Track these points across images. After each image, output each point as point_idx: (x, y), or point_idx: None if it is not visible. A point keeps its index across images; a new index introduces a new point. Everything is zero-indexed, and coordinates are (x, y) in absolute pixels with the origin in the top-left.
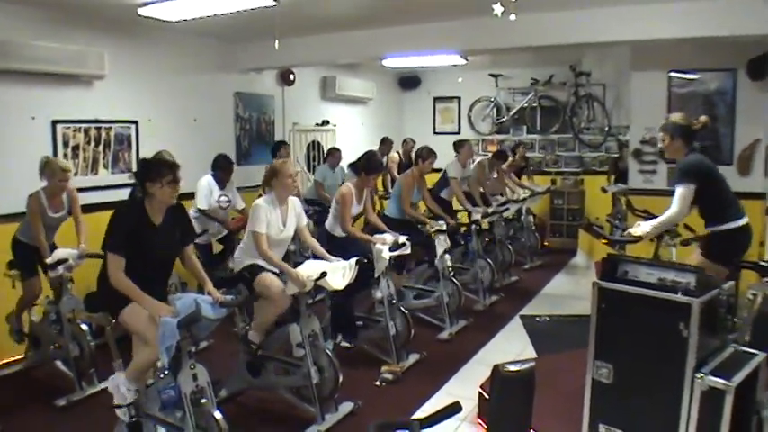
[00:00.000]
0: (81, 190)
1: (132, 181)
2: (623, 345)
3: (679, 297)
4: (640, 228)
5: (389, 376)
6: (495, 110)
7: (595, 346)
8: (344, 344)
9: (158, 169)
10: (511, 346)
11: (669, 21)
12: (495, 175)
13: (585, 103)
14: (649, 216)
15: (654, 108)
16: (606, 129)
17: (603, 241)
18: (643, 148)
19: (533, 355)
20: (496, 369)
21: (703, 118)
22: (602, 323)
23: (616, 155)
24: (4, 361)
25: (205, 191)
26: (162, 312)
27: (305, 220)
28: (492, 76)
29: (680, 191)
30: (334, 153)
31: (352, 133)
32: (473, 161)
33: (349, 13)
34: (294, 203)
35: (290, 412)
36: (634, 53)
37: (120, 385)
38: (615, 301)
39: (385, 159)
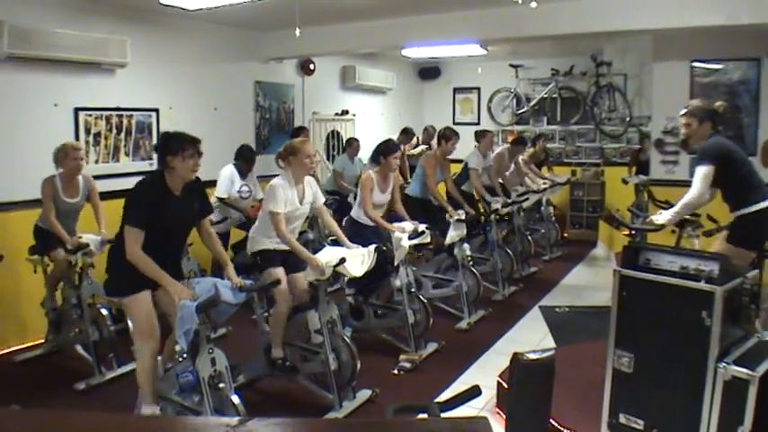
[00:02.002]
0: (102, 177)
1: (153, 168)
2: (644, 333)
3: (702, 285)
4: (662, 216)
5: (407, 365)
6: (515, 100)
7: (616, 334)
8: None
9: (180, 143)
10: (530, 337)
11: (692, 9)
12: (514, 166)
13: (606, 93)
14: (671, 207)
15: (676, 98)
16: (627, 119)
17: (625, 232)
18: (665, 139)
19: (552, 345)
20: (516, 357)
21: (720, 103)
22: (624, 312)
23: (637, 146)
24: (26, 345)
25: (226, 180)
26: (182, 295)
27: (322, 199)
28: (512, 66)
29: (699, 171)
30: (353, 143)
31: (372, 123)
32: (493, 152)
33: (369, 2)
34: (310, 182)
35: (308, 399)
36: (656, 42)
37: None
38: (637, 290)
39: (404, 148)
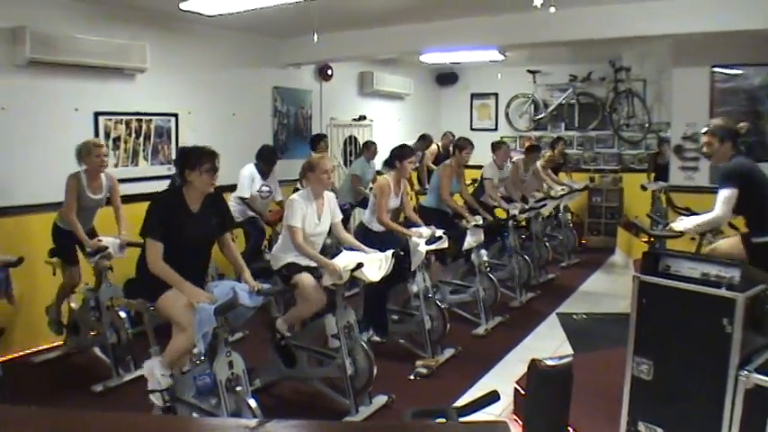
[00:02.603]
0: (121, 180)
1: (171, 172)
2: (664, 341)
3: (723, 292)
4: (682, 223)
5: (424, 370)
6: (532, 106)
7: (635, 341)
8: (375, 338)
9: (197, 157)
10: (547, 344)
11: (711, 14)
12: (530, 174)
13: (625, 99)
14: (691, 214)
15: (696, 104)
16: (646, 125)
17: (644, 238)
18: (684, 145)
19: (570, 352)
20: (533, 363)
21: (743, 124)
22: (643, 318)
23: (655, 152)
24: (44, 347)
25: (247, 180)
26: (200, 298)
27: (339, 216)
28: (530, 72)
29: (723, 194)
30: (370, 146)
31: (389, 129)
32: (509, 162)
33: (387, 8)
34: (329, 198)
35: (324, 404)
36: (675, 48)
37: (154, 369)
38: (656, 296)
39: (421, 155)
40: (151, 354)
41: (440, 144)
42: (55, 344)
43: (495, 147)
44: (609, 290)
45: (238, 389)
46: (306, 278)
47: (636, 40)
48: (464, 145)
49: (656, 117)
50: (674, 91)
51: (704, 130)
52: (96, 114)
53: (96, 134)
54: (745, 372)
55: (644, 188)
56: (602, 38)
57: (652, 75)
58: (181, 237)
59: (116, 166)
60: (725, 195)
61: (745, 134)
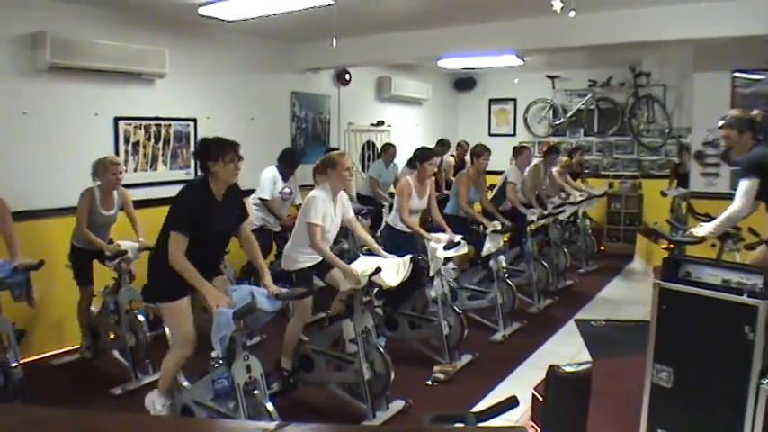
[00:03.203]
0: (140, 185)
1: (189, 177)
2: (685, 348)
3: (744, 299)
4: (703, 228)
5: (441, 376)
6: (551, 112)
7: (655, 348)
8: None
9: (220, 148)
10: (565, 350)
11: (732, 18)
12: (548, 179)
13: (645, 104)
14: (711, 220)
15: (717, 109)
16: (666, 131)
17: (664, 245)
18: (705, 150)
19: (588, 359)
20: (552, 370)
21: (757, 111)
22: (663, 325)
23: (676, 159)
24: (64, 349)
25: (269, 181)
26: (219, 302)
27: (352, 213)
28: (549, 77)
29: (743, 185)
30: (389, 149)
31: (407, 134)
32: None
33: (405, 13)
34: (342, 195)
35: (341, 408)
36: (696, 52)
37: (155, 403)
38: (677, 303)
39: (439, 160)
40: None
41: (455, 155)
42: (75, 346)
43: (517, 151)
44: (627, 297)
45: (256, 392)
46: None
47: (656, 45)
48: (480, 152)
49: (677, 122)
50: (695, 96)
51: (720, 123)
52: (116, 119)
53: (116, 139)
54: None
55: (664, 194)
56: (622, 42)
57: (672, 80)
58: (209, 227)
59: (135, 170)
60: (744, 187)
61: (761, 121)
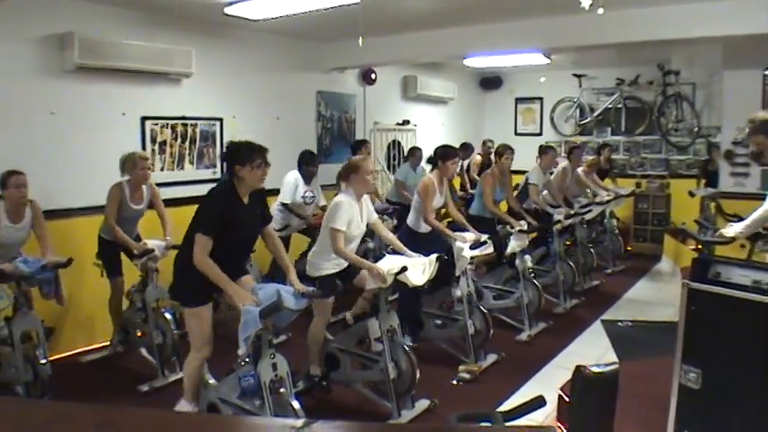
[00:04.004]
0: (167, 185)
1: (216, 176)
2: (714, 349)
3: None
4: (733, 228)
5: (467, 375)
6: (578, 110)
7: (683, 349)
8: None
9: (248, 153)
10: (591, 351)
11: (763, 15)
12: (573, 179)
13: (674, 103)
14: (740, 220)
15: (747, 108)
16: (695, 130)
17: (692, 245)
18: (735, 150)
19: (614, 360)
20: (579, 370)
21: None
22: (692, 326)
23: (705, 158)
24: (92, 347)
25: (291, 186)
26: (245, 301)
27: (375, 216)
28: (575, 75)
29: None
30: (416, 153)
31: (433, 133)
32: (556, 166)
33: (431, 12)
34: (365, 198)
35: (367, 407)
36: (726, 50)
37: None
38: (706, 304)
39: (463, 164)
40: None
41: (481, 153)
42: (103, 344)
43: (542, 151)
44: (655, 298)
45: (282, 390)
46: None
47: (685, 43)
48: (503, 151)
49: (706, 121)
50: (725, 94)
51: (747, 129)
52: (143, 119)
53: (143, 138)
54: None
55: (692, 194)
56: (650, 40)
57: (702, 78)
58: (235, 227)
59: (162, 170)
60: None
61: None
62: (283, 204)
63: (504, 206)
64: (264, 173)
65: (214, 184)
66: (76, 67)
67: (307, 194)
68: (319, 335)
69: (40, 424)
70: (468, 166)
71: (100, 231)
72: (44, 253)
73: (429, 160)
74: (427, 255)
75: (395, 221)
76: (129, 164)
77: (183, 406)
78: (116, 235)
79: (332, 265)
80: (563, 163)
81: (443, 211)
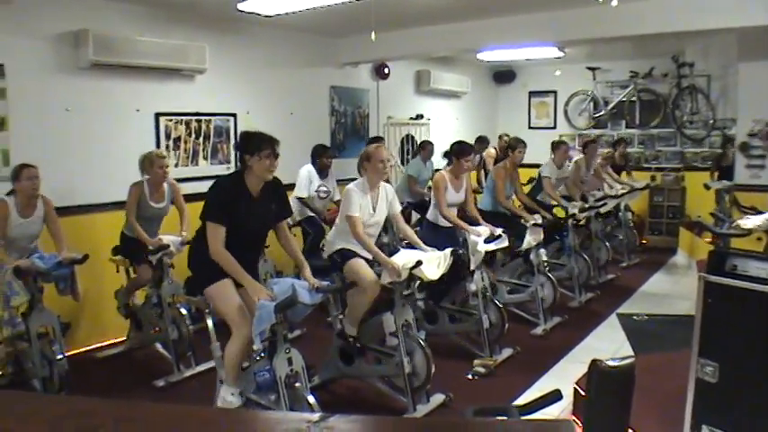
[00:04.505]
0: (181, 180)
1: (230, 172)
2: (731, 342)
3: None
4: (750, 220)
5: (482, 370)
6: (592, 104)
7: (700, 343)
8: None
9: (258, 142)
10: (606, 345)
11: None
12: (590, 173)
13: (689, 95)
14: (757, 213)
15: (763, 99)
16: (711, 122)
17: (707, 238)
18: (751, 142)
19: (630, 354)
20: (595, 364)
21: None
22: (708, 319)
23: (720, 150)
24: (107, 342)
25: (305, 180)
26: (260, 295)
27: (398, 207)
28: (589, 69)
29: None
30: (426, 146)
31: (447, 127)
32: (569, 162)
33: (444, 6)
34: (386, 189)
35: (382, 401)
36: (741, 42)
37: (226, 397)
38: (723, 297)
39: (478, 157)
40: (212, 350)
41: (497, 147)
42: (119, 339)
43: (555, 146)
44: (670, 291)
45: (297, 385)
46: (358, 263)
47: (700, 34)
48: (515, 144)
49: (721, 113)
50: (741, 86)
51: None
52: (157, 115)
53: (157, 134)
54: None
55: (707, 187)
56: (665, 32)
57: (717, 70)
58: (242, 222)
59: (176, 165)
60: None
61: None
62: (299, 198)
63: (514, 202)
64: (273, 164)
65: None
66: (91, 64)
67: (321, 189)
68: (364, 305)
69: (60, 418)
70: (483, 159)
71: (123, 228)
72: (59, 249)
73: (445, 155)
74: (447, 247)
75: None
76: (147, 163)
77: (223, 392)
78: (135, 231)
79: (350, 245)
80: (577, 157)
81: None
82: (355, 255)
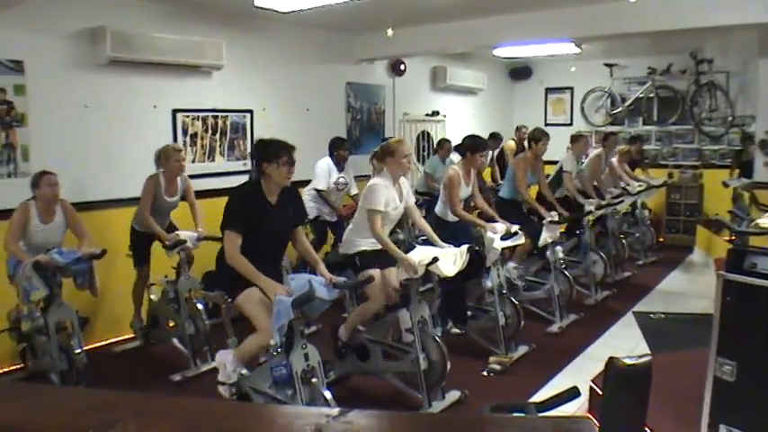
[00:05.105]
0: (198, 176)
1: (247, 168)
2: (749, 341)
3: None
4: None
5: (497, 367)
6: (609, 100)
7: (718, 341)
8: (455, 330)
9: (275, 150)
10: (623, 343)
11: None
12: (608, 168)
13: (707, 92)
14: None
15: None
16: (729, 119)
17: (725, 236)
18: None
19: (646, 352)
20: (611, 362)
21: None
22: (727, 317)
23: (739, 147)
24: (124, 337)
25: (323, 172)
26: (277, 291)
27: (413, 199)
28: (606, 65)
29: None
30: (444, 145)
31: (462, 124)
32: (587, 155)
33: (460, 2)
34: (403, 181)
35: (397, 398)
36: (762, 38)
37: (227, 363)
38: (741, 295)
39: (492, 154)
40: (228, 344)
41: (515, 138)
42: (135, 334)
43: (574, 139)
44: (687, 289)
45: (314, 380)
46: (372, 274)
47: (719, 31)
48: (539, 136)
49: (740, 111)
50: (761, 83)
51: None
52: (174, 111)
53: (174, 130)
54: None
55: (725, 185)
56: (683, 28)
57: (736, 66)
58: (261, 229)
59: (193, 161)
60: None
61: None
62: (317, 191)
63: (533, 192)
64: (291, 171)
65: (245, 176)
66: (109, 61)
67: (340, 180)
68: (368, 314)
69: (82, 411)
70: (497, 156)
71: (132, 222)
72: (81, 244)
73: (457, 148)
74: (455, 243)
75: (423, 213)
76: (164, 157)
77: (229, 357)
78: (150, 226)
79: (368, 243)
80: (596, 150)
81: (472, 203)
82: (373, 262)
